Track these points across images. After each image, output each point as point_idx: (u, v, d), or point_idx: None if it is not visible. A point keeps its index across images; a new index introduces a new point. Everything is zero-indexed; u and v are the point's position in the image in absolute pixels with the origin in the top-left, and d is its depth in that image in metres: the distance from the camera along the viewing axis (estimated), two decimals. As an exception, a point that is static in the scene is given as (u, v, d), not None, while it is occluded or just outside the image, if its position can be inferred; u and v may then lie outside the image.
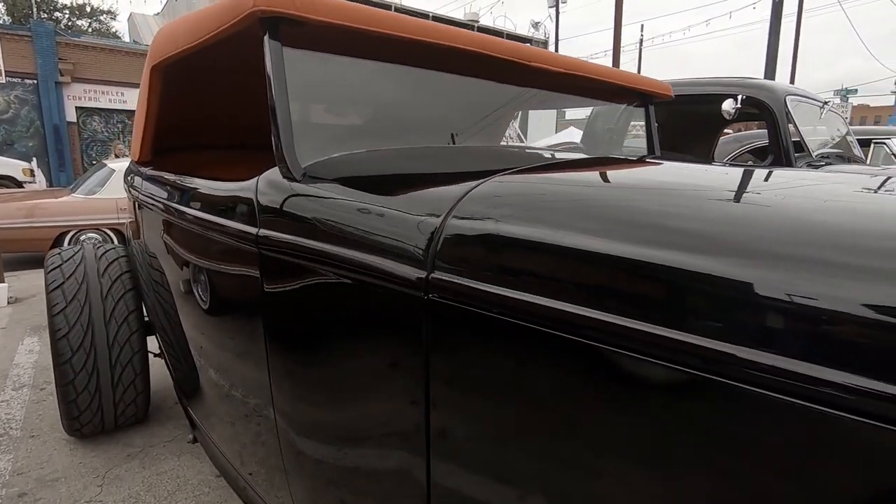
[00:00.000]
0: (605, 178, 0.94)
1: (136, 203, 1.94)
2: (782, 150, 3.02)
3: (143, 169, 1.86)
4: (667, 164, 1.10)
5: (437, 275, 0.74)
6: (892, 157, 4.90)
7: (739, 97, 2.98)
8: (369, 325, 0.86)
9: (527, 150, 1.50)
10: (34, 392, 2.77)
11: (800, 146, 3.13)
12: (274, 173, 1.02)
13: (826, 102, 3.53)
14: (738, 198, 0.74)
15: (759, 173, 0.96)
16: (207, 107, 1.89)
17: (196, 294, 1.39)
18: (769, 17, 11.54)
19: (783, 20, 11.65)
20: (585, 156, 1.46)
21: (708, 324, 0.51)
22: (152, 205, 1.64)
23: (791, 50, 18.26)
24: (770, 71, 11.57)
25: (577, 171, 1.00)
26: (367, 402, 0.89)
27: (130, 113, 14.69)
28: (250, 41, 1.03)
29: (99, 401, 2.08)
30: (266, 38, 0.97)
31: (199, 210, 1.26)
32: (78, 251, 2.20)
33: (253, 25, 0.98)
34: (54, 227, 5.99)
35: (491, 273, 0.69)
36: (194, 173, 1.42)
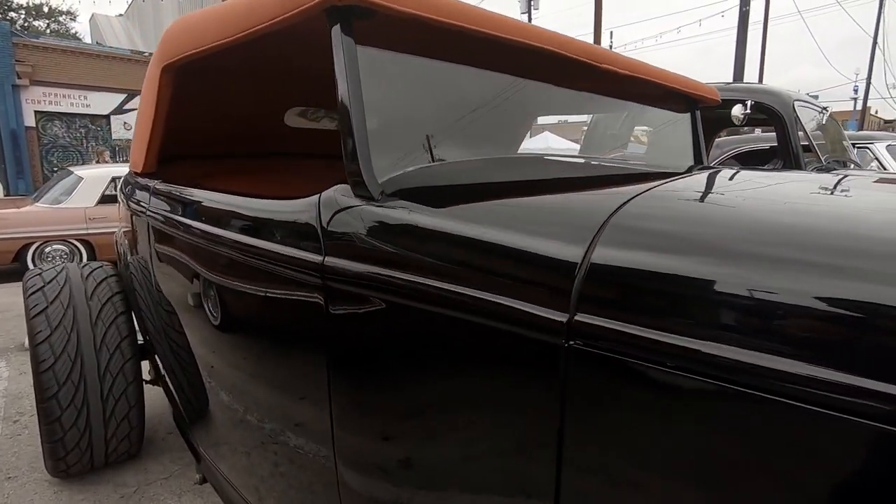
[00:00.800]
0: (762, 197, 0.82)
1: (137, 217, 1.74)
2: (791, 154, 3.00)
3: (146, 181, 1.65)
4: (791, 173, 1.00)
5: (581, 317, 0.60)
6: (876, 160, 5.01)
7: (748, 102, 2.95)
8: (485, 374, 0.72)
9: (619, 162, 1.38)
10: (7, 425, 2.50)
11: (806, 150, 3.12)
12: (342, 191, 0.86)
13: (826, 108, 3.55)
14: None
15: None
16: (235, 110, 1.69)
17: (222, 320, 1.22)
18: (737, 25, 11.83)
19: (748, 28, 11.97)
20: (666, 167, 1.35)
21: None
22: (164, 221, 1.45)
23: (754, 56, 18.86)
24: (738, 76, 11.86)
25: (723, 186, 0.88)
26: (475, 459, 0.75)
27: (94, 117, 14.07)
28: (301, 36, 0.88)
29: (89, 439, 1.86)
30: (337, 31, 0.82)
31: (234, 231, 1.09)
32: (62, 271, 1.98)
33: (316, 18, 0.83)
34: (16, 239, 5.64)
35: (660, 318, 0.56)
36: (219, 187, 1.24)
